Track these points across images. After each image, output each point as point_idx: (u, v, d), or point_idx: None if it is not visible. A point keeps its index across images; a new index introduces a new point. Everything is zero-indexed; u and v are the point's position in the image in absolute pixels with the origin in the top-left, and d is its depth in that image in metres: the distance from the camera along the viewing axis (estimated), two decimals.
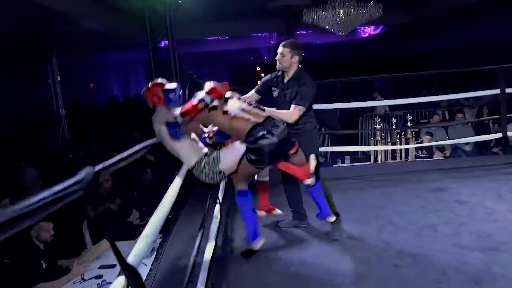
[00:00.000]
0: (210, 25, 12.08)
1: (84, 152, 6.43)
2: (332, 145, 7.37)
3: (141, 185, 5.55)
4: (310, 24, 8.39)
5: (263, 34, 17.10)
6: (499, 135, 5.02)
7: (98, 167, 1.16)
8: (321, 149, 5.16)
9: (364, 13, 7.74)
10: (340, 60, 18.19)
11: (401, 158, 5.97)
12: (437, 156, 6.11)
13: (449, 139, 6.47)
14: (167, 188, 1.94)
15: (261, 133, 2.39)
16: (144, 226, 1.37)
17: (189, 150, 2.50)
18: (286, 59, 2.82)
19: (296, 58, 2.84)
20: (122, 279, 1.06)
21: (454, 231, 2.94)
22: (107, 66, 16.08)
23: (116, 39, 11.93)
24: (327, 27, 8.30)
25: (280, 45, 2.86)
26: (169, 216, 2.63)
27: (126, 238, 3.59)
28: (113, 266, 3.43)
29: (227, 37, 16.23)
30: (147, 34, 5.93)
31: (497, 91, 4.85)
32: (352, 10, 7.59)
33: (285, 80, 2.91)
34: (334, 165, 6.27)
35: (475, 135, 6.17)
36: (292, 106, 2.77)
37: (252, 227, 2.72)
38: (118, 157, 1.38)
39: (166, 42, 6.21)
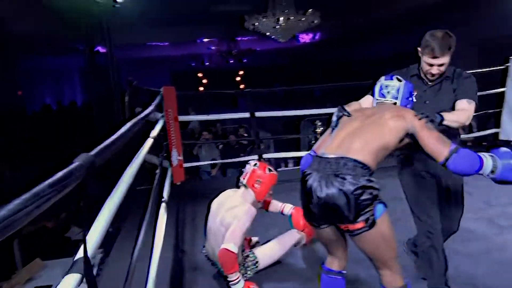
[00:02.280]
0: (150, 30, 11.79)
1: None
2: (276, 149, 7.53)
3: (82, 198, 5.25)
4: (252, 30, 8.52)
5: (205, 40, 17.05)
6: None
7: None
8: (266, 155, 5.24)
9: (303, 21, 8.02)
10: (281, 67, 18.63)
11: None
12: None
13: None
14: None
15: None
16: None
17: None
18: (446, 67, 2.01)
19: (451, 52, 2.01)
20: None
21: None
22: (39, 72, 15.09)
23: (50, 43, 11.24)
24: (268, 33, 8.47)
25: (429, 55, 1.97)
26: (110, 230, 2.50)
27: (63, 256, 3.38)
28: (49, 287, 3.21)
29: (168, 43, 15.97)
30: (84, 39, 5.67)
31: None
32: (292, 18, 7.83)
33: (430, 81, 2.09)
34: (278, 169, 6.37)
35: None
36: (464, 101, 2.00)
37: None
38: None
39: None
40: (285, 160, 6.73)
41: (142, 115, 2.42)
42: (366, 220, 1.61)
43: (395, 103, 1.88)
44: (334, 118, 1.92)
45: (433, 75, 2.02)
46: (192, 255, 2.88)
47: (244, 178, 2.53)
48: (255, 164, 2.51)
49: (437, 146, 1.66)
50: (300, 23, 8.04)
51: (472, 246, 2.70)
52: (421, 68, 2.07)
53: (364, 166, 1.64)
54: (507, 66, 4.83)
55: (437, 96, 2.06)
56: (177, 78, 16.62)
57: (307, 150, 6.60)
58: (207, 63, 19.49)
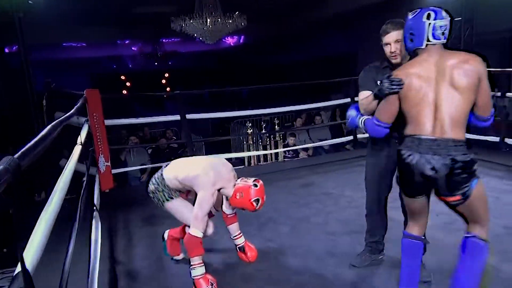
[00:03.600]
0: (69, 30, 11.04)
1: None
2: (206, 152, 7.49)
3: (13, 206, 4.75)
4: (179, 32, 8.38)
5: (127, 42, 16.41)
6: (351, 137, 5.82)
7: None
8: None
9: (231, 23, 8.08)
10: (207, 69, 18.58)
11: (272, 159, 6.39)
12: (302, 155, 6.71)
13: (310, 139, 7.23)
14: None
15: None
16: None
17: None
18: (402, 44, 2.08)
19: None
20: None
21: (324, 220, 3.28)
22: None
23: None
24: (195, 35, 8.39)
25: (384, 34, 2.17)
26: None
27: None
28: None
29: (86, 44, 15.11)
30: None
31: (348, 99, 5.81)
32: (219, 20, 7.86)
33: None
34: None
35: (331, 134, 7.04)
36: None
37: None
38: None
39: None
40: None
41: (62, 118, 2.24)
42: (463, 194, 1.77)
43: (445, 44, 1.83)
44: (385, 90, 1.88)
45: (393, 53, 2.16)
46: (129, 264, 2.77)
47: (240, 180, 2.46)
48: (255, 185, 2.45)
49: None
50: (228, 25, 8.10)
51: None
52: (387, 57, 2.24)
53: (462, 143, 1.75)
54: None
55: None
56: (98, 80, 15.78)
57: (239, 152, 6.59)
58: (131, 65, 18.75)
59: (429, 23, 1.78)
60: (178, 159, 2.64)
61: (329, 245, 2.82)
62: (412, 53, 1.93)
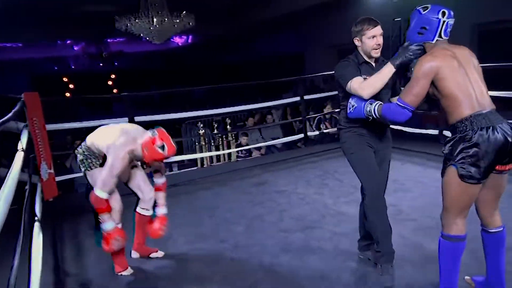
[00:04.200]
0: (5, 30, 10.33)
1: None
2: None
3: None
4: (124, 32, 8.11)
5: (68, 41, 15.67)
6: (302, 135, 5.93)
7: None
8: None
9: (178, 23, 7.95)
10: (155, 69, 18.18)
11: (225, 160, 6.37)
12: (255, 154, 6.75)
13: (263, 138, 7.29)
14: None
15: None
16: None
17: None
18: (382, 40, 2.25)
19: None
20: None
21: (277, 218, 3.32)
22: None
23: None
24: (141, 35, 8.17)
25: (368, 29, 2.22)
26: None
27: None
28: None
29: (23, 44, 14.25)
30: None
31: (298, 98, 5.98)
32: (166, 19, 7.70)
33: (375, 65, 2.30)
34: None
35: (283, 133, 7.16)
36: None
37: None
38: None
39: None
40: (170, 165, 6.58)
41: None
42: None
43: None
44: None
45: (379, 45, 2.24)
46: (79, 275, 2.64)
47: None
48: (154, 132, 2.44)
49: None
50: (175, 25, 7.96)
51: (347, 226, 3.04)
52: (364, 52, 2.27)
53: None
54: None
55: None
56: (38, 83, 14.92)
57: (191, 153, 6.48)
58: (73, 66, 17.92)
59: (444, 21, 1.90)
60: (98, 128, 2.66)
61: (283, 242, 2.86)
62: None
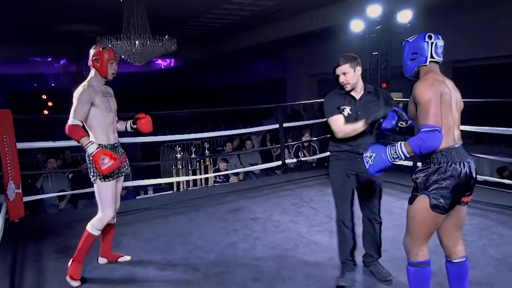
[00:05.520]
0: None
1: None
2: (134, 176, 7.18)
3: None
4: None
5: (49, 59, 15.51)
6: (280, 162, 5.91)
7: None
8: (124, 184, 4.95)
9: (160, 46, 8.00)
10: (137, 91, 18.10)
11: (201, 184, 6.30)
12: (233, 179, 6.71)
13: (241, 163, 7.27)
14: None
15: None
16: None
17: None
18: (351, 75, 2.49)
19: (359, 69, 2.52)
20: None
21: (251, 246, 3.27)
22: None
23: None
24: (122, 56, 8.17)
25: (336, 67, 2.51)
26: None
27: None
28: None
29: (0, 60, 14.03)
30: None
31: (277, 125, 5.89)
32: (148, 42, 7.74)
33: (357, 96, 2.54)
34: (137, 197, 6.10)
35: (261, 159, 7.16)
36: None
37: None
38: None
39: None
40: (145, 188, 6.47)
41: None
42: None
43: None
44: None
45: (343, 83, 2.49)
46: None
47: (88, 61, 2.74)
48: (93, 47, 2.75)
49: None
50: (157, 48, 8.00)
51: (320, 256, 3.01)
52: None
53: None
54: None
55: (365, 108, 2.50)
56: (15, 100, 14.62)
57: (168, 176, 6.40)
58: (53, 84, 17.68)
59: (431, 42, 1.97)
60: None
61: (255, 270, 2.81)
62: (412, 73, 2.06)
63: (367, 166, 2.01)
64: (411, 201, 1.98)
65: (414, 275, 1.98)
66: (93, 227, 2.68)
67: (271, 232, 3.59)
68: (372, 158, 1.99)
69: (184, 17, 9.96)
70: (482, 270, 2.69)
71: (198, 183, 6.28)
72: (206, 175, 6.19)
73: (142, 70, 13.58)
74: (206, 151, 6.73)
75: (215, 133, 6.00)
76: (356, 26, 6.70)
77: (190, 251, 3.20)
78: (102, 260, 2.95)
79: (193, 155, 6.61)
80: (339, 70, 2.48)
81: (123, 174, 2.85)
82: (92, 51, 2.70)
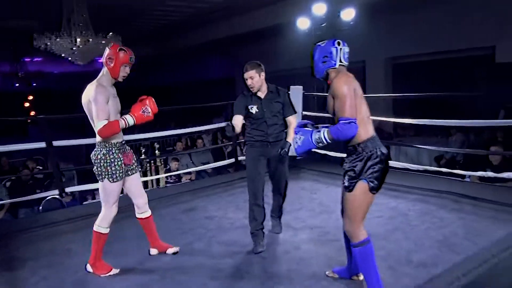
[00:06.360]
0: None
1: None
2: (79, 181, 6.86)
3: None
4: (43, 50, 7.60)
5: None
6: (233, 159, 5.91)
7: None
8: (68, 189, 4.71)
9: (104, 44, 7.66)
10: (78, 91, 17.28)
11: (153, 186, 6.15)
12: (185, 179, 6.63)
13: (193, 163, 7.19)
14: None
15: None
16: None
17: None
18: (256, 79, 2.99)
19: (263, 74, 3.03)
20: None
21: (207, 245, 3.26)
22: None
23: None
24: (63, 55, 7.73)
25: (244, 72, 3.00)
26: None
27: None
28: None
29: None
30: None
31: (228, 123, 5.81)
32: (91, 40, 7.37)
33: (262, 96, 3.07)
34: (85, 202, 5.84)
35: (213, 157, 7.13)
36: (292, 117, 3.11)
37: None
38: None
39: None
40: (93, 192, 6.20)
41: None
42: None
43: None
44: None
45: (250, 86, 3.00)
46: None
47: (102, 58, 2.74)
48: (109, 45, 2.75)
49: None
50: (101, 46, 7.64)
51: (276, 249, 3.07)
52: None
53: None
54: None
55: (270, 105, 3.06)
56: None
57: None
58: None
59: (340, 48, 2.22)
60: None
61: (212, 269, 2.80)
62: (323, 74, 2.28)
63: (295, 147, 2.24)
64: (350, 188, 2.20)
65: (360, 254, 2.21)
66: (100, 226, 2.79)
67: (227, 229, 3.59)
68: (301, 140, 2.21)
69: (129, 14, 9.66)
70: (426, 252, 2.87)
71: (149, 185, 6.12)
72: (157, 176, 6.06)
73: (85, 69, 12.95)
74: (156, 151, 6.58)
75: (164, 133, 5.88)
76: (303, 23, 6.87)
77: (145, 254, 3.13)
78: (153, 251, 3.10)
79: (142, 156, 6.43)
80: (247, 75, 2.97)
81: (133, 172, 2.95)
82: (107, 50, 2.71)
